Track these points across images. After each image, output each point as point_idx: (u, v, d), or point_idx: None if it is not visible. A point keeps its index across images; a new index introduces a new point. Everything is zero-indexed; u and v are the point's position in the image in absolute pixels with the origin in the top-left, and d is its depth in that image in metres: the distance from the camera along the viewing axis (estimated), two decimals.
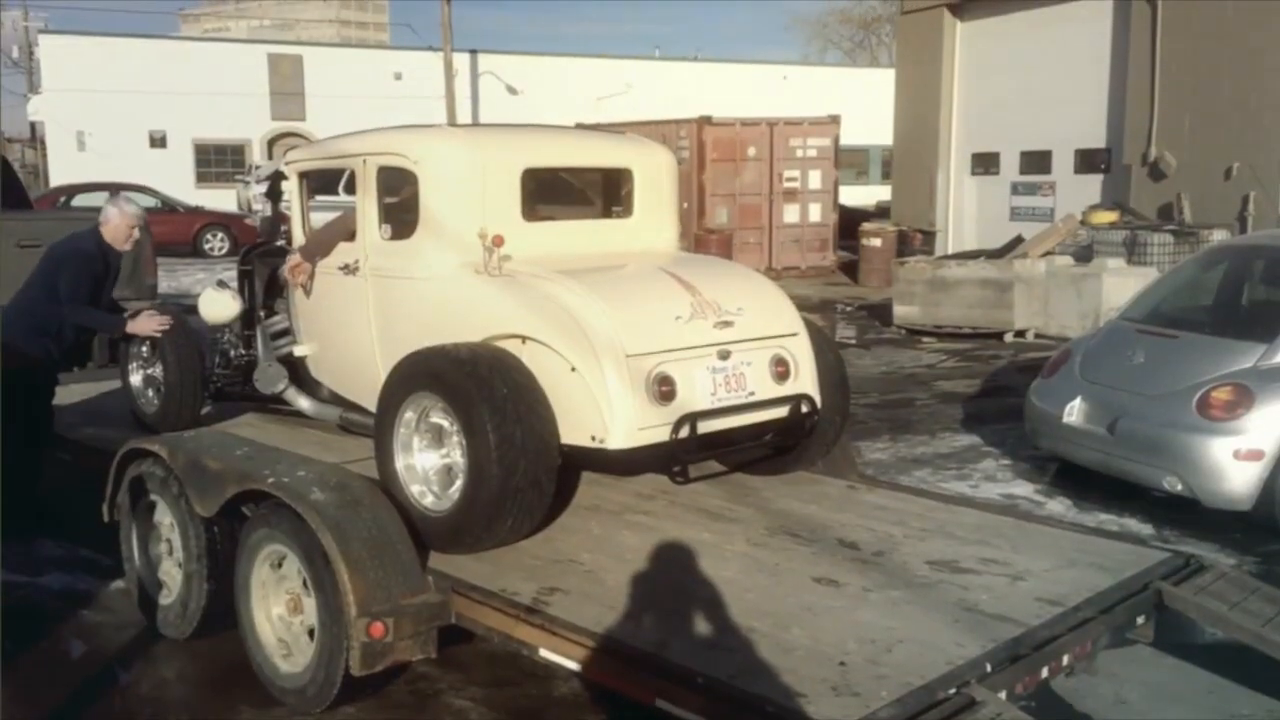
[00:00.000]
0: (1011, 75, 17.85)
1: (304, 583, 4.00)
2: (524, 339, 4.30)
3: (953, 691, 3.17)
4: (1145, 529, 6.15)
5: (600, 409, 4.08)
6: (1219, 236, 13.13)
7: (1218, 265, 7.45)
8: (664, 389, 4.17)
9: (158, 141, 35.82)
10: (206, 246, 23.22)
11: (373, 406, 4.87)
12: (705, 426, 4.27)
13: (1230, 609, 4.01)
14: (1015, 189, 18.31)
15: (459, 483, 4.12)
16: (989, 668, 3.35)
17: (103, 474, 5.49)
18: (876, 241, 17.11)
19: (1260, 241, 7.87)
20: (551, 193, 5.22)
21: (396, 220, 4.91)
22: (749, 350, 4.51)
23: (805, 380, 4.67)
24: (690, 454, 4.42)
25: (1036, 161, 17.90)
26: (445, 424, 4.21)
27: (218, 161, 37.04)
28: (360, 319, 5.01)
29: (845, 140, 19.86)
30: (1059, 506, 6.58)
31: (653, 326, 4.28)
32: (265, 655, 4.18)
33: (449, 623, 3.90)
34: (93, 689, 4.41)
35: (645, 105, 32.11)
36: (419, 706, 4.18)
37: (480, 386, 4.00)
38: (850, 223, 20.08)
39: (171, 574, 4.68)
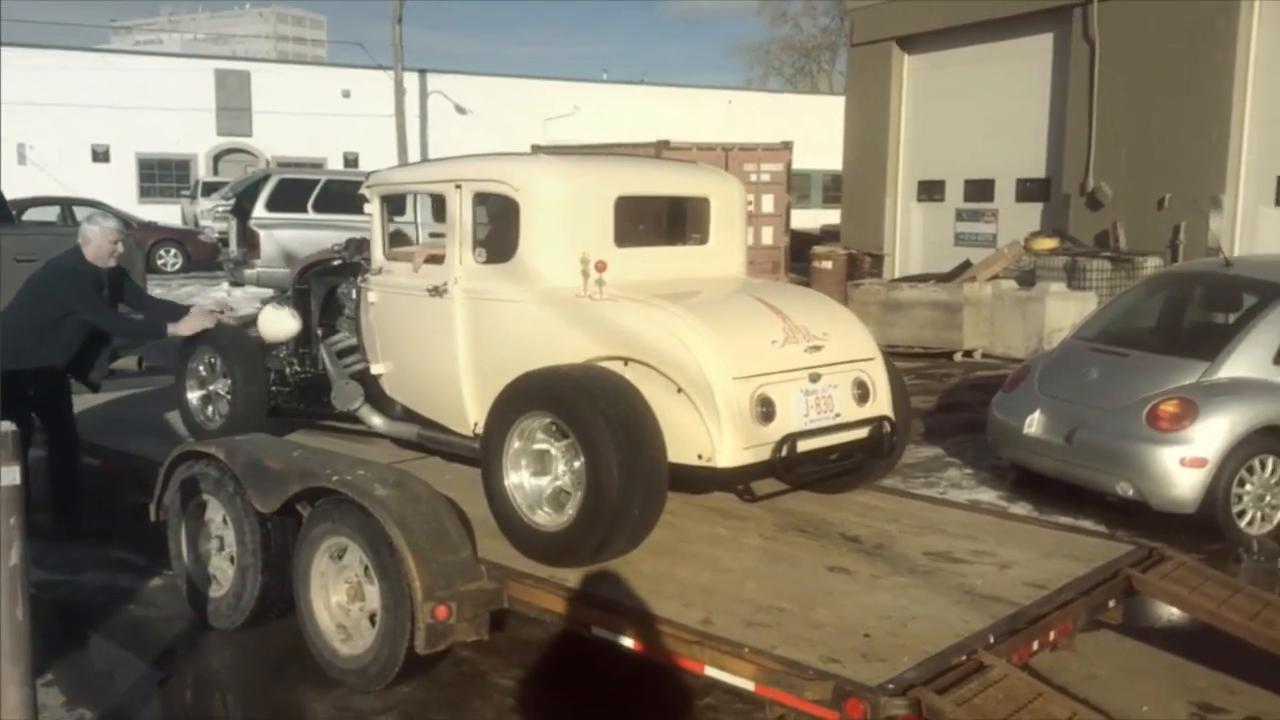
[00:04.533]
0: (956, 107, 18.64)
1: (365, 571, 4.37)
2: (626, 361, 4.49)
3: (964, 658, 3.65)
4: (1100, 530, 6.70)
5: (708, 429, 4.30)
6: (1153, 263, 13.96)
7: (1161, 290, 8.11)
8: (765, 410, 4.41)
9: (100, 155, 35.55)
10: (160, 262, 23.11)
11: (453, 425, 5.10)
12: (801, 446, 4.51)
13: (1190, 592, 4.56)
14: (960, 215, 19.09)
15: (573, 500, 4.32)
16: (992, 639, 3.84)
17: (129, 478, 5.77)
18: (828, 264, 17.73)
19: (1199, 269, 8.54)
20: (637, 219, 5.36)
21: (492, 244, 5.11)
22: (835, 373, 4.75)
23: (883, 402, 4.92)
24: (790, 472, 4.65)
25: (980, 190, 18.70)
26: (560, 442, 4.39)
27: (162, 176, 36.81)
28: (445, 339, 5.17)
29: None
30: (1021, 510, 7.11)
31: (753, 350, 4.50)
32: (324, 640, 4.53)
33: (502, 607, 4.29)
34: (155, 678, 4.74)
35: (593, 128, 32.63)
36: (467, 686, 4.56)
37: (599, 406, 4.18)
38: (799, 246, 20.72)
39: (223, 569, 5.00)
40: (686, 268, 5.31)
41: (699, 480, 4.67)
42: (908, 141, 20.01)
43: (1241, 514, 6.53)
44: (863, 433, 4.81)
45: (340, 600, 4.52)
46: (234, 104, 37.37)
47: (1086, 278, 13.90)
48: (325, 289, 6.17)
